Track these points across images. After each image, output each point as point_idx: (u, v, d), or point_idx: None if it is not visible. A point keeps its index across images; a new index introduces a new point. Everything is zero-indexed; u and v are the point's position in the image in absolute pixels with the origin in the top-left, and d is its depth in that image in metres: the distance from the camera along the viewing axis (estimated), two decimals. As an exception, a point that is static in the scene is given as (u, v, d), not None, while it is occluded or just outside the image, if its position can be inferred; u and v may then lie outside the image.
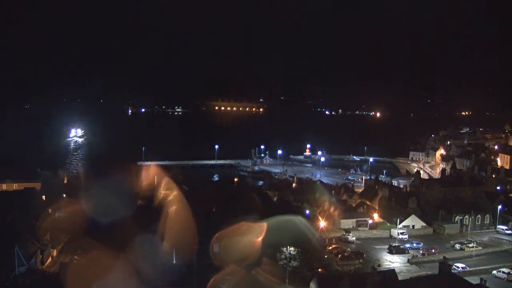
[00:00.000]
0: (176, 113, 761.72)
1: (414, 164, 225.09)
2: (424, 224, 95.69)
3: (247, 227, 66.77)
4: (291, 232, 67.78)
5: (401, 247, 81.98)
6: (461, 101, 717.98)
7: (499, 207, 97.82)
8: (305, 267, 65.33)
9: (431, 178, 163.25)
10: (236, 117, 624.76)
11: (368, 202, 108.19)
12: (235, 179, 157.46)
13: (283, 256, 65.27)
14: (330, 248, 78.52)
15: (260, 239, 65.69)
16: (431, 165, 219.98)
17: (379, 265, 71.82)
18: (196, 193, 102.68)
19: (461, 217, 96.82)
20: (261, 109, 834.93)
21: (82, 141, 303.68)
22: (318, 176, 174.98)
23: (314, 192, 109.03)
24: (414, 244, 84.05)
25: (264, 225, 67.42)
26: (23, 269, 58.02)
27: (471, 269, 69.60)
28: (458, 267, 68.89)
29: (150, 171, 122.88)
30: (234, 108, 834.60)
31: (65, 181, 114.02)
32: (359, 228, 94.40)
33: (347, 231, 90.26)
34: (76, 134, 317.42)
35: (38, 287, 53.00)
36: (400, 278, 56.54)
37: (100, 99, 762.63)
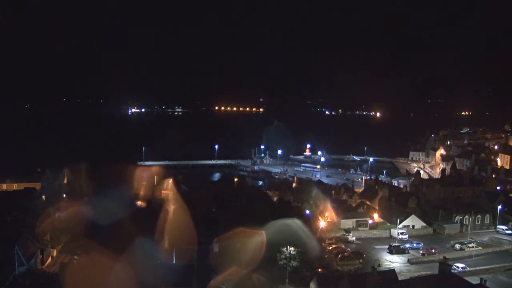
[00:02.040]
0: (176, 113, 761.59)
1: (414, 164, 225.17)
2: (424, 224, 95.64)
3: (246, 232, 66.34)
4: (288, 235, 67.28)
5: (401, 247, 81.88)
6: (461, 101, 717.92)
7: (499, 207, 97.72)
8: (305, 267, 65.26)
9: (431, 178, 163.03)
10: (236, 117, 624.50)
11: (368, 202, 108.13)
12: (235, 179, 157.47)
13: (283, 256, 65.20)
14: (330, 248, 78.51)
15: (260, 245, 65.11)
16: (431, 165, 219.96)
17: (379, 265, 71.73)
18: (196, 193, 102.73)
19: (461, 217, 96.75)
20: (261, 109, 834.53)
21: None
22: (318, 176, 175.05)
23: (310, 193, 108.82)
24: (414, 244, 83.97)
25: (262, 231, 66.87)
26: (23, 269, 58.02)
27: (471, 269, 69.50)
28: (458, 267, 68.82)
29: (150, 171, 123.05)
30: (234, 108, 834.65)
31: (65, 181, 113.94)
32: (359, 228, 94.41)
33: (347, 231, 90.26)
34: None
35: (38, 287, 52.98)
36: (400, 278, 56.40)
37: (100, 99, 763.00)
